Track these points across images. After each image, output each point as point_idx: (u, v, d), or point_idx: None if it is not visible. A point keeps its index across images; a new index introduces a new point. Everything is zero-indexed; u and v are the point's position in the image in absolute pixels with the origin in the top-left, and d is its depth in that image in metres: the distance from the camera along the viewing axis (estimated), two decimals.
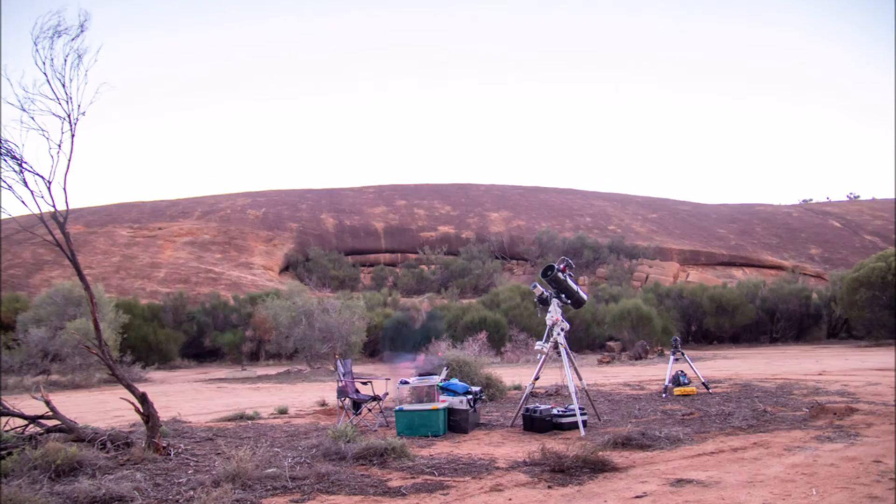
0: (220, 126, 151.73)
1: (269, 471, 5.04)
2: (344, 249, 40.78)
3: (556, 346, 7.15)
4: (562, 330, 7.15)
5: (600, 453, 5.13)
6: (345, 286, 34.97)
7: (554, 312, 7.17)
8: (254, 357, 23.01)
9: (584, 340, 22.88)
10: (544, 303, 7.29)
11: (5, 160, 5.70)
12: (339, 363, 8.18)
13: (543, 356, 7.26)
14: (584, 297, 7.49)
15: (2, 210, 5.79)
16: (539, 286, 7.38)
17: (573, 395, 6.72)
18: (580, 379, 7.28)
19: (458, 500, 4.29)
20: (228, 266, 35.41)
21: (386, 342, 7.99)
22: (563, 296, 7.26)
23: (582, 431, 6.56)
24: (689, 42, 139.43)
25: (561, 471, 4.85)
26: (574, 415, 6.96)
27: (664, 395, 9.56)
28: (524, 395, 7.55)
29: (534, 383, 7.52)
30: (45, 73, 5.66)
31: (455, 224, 43.73)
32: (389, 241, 42.46)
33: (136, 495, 4.39)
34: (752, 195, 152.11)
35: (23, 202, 5.74)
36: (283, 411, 9.26)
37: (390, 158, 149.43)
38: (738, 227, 46.05)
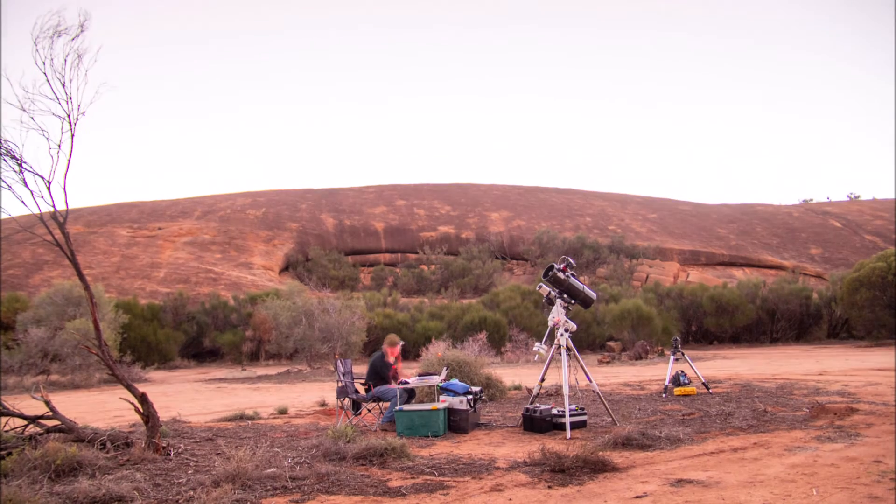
0: (219, 126, 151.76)
1: (269, 471, 5.03)
2: (344, 249, 40.77)
3: (559, 347, 7.02)
4: (566, 331, 7.03)
5: (600, 453, 5.12)
6: (345, 286, 34.96)
7: (556, 314, 7.06)
8: (254, 357, 23.00)
9: (585, 340, 22.88)
10: (551, 303, 7.14)
11: (5, 160, 5.69)
12: (338, 363, 8.17)
13: (549, 357, 7.18)
14: (593, 295, 7.27)
15: (2, 210, 5.79)
16: (545, 286, 7.20)
17: (566, 397, 6.69)
18: (590, 380, 7.19)
19: (458, 501, 4.28)
20: (228, 266, 35.40)
21: None
22: (565, 296, 7.12)
23: (568, 434, 6.52)
24: (689, 42, 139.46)
25: (561, 471, 4.85)
26: (577, 415, 6.95)
27: (664, 396, 9.56)
28: (531, 397, 7.50)
29: (540, 385, 7.46)
30: (45, 73, 5.65)
31: (455, 224, 43.71)
32: (389, 241, 42.45)
33: (136, 495, 4.38)
34: (752, 195, 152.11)
35: (23, 202, 5.74)
36: (282, 411, 9.25)
37: (390, 158, 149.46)
38: (739, 227, 46.03)
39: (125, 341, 18.68)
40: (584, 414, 7.16)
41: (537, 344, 7.09)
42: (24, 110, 5.65)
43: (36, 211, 5.78)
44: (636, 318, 21.70)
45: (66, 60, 5.67)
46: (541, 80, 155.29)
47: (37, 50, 5.64)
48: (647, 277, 34.85)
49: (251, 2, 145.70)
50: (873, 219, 47.09)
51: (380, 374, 8.00)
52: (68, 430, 5.85)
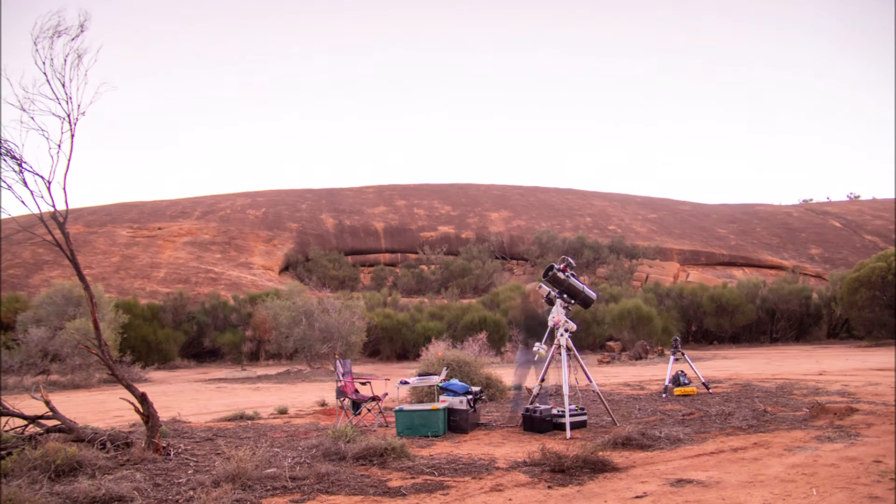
0: (219, 126, 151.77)
1: (269, 471, 5.03)
2: (344, 249, 40.76)
3: (559, 347, 7.03)
4: (566, 331, 7.04)
5: (600, 453, 5.12)
6: (345, 286, 34.96)
7: (555, 313, 7.07)
8: (254, 357, 22.99)
9: (585, 340, 22.89)
10: (551, 303, 7.15)
11: (5, 160, 5.69)
12: (338, 363, 8.17)
13: (549, 357, 7.19)
14: (592, 295, 7.28)
15: (2, 210, 5.79)
16: (545, 286, 7.21)
17: (566, 397, 6.70)
18: (590, 380, 7.19)
19: (458, 500, 4.28)
20: (228, 266, 35.40)
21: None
22: (565, 295, 7.12)
23: (568, 434, 6.52)
24: (689, 42, 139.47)
25: (561, 471, 4.84)
26: (577, 415, 6.95)
27: (664, 395, 9.56)
28: (532, 397, 7.51)
29: (540, 385, 7.47)
30: (45, 73, 5.65)
31: (455, 224, 43.71)
32: (389, 241, 42.45)
33: (136, 495, 4.38)
34: (752, 195, 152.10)
35: (22, 202, 5.74)
36: (282, 411, 9.25)
37: (390, 158, 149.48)
38: (738, 227, 46.04)
39: (125, 341, 18.67)
40: (584, 414, 7.16)
41: (537, 344, 7.08)
42: (24, 110, 5.66)
43: (36, 211, 5.78)
44: (636, 318, 21.70)
45: (66, 60, 5.67)
46: (541, 80, 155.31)
47: (37, 50, 5.64)
48: (647, 277, 34.85)
49: (251, 2, 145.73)
50: (873, 219, 47.09)
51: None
52: (68, 430, 5.84)
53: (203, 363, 23.80)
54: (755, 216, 48.62)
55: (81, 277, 6.03)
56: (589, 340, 23.23)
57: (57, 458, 4.94)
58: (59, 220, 5.79)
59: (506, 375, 11.91)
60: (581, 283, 7.21)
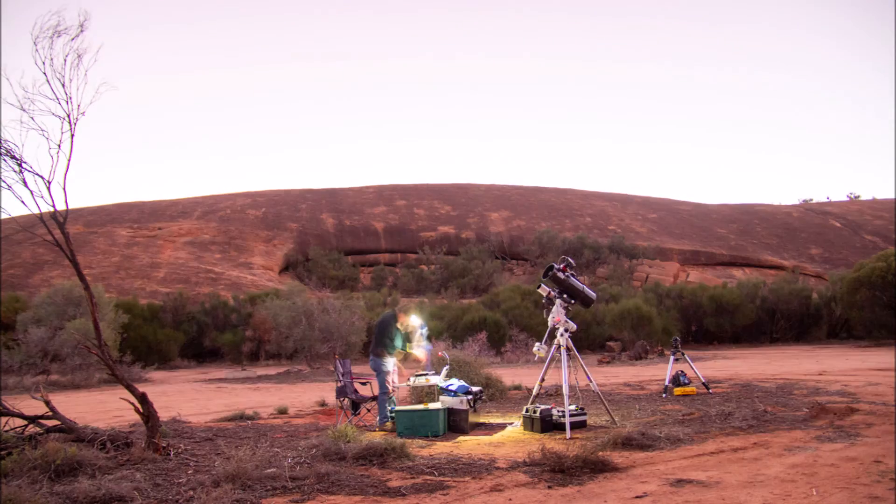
0: (220, 126, 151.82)
1: (269, 471, 5.03)
2: (344, 249, 40.75)
3: (559, 347, 7.03)
4: (566, 330, 7.04)
5: (600, 453, 5.12)
6: (345, 286, 34.96)
7: (556, 313, 7.07)
8: (254, 357, 22.98)
9: (585, 340, 22.88)
10: (552, 303, 7.17)
11: (5, 160, 5.69)
12: (338, 363, 8.17)
13: (549, 357, 7.19)
14: (592, 295, 7.29)
15: (2, 210, 5.79)
16: (545, 286, 7.23)
17: (566, 397, 6.69)
18: (590, 380, 7.19)
19: (458, 500, 4.28)
20: (228, 266, 35.40)
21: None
22: (565, 295, 7.12)
23: (568, 434, 6.53)
24: (688, 41, 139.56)
25: (561, 471, 4.84)
26: (577, 415, 6.94)
27: (664, 395, 9.56)
28: (532, 397, 7.52)
29: (540, 385, 7.47)
30: (44, 73, 5.65)
31: (455, 224, 43.70)
32: (389, 241, 42.44)
33: (136, 495, 4.38)
34: (752, 195, 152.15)
35: (22, 202, 5.74)
36: (282, 411, 9.26)
37: (390, 158, 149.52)
38: (738, 227, 46.02)
39: (125, 341, 18.67)
40: (584, 414, 7.16)
41: (537, 344, 7.09)
42: (24, 110, 5.66)
43: (36, 211, 5.78)
44: (636, 318, 21.69)
45: (66, 60, 5.67)
46: (541, 80, 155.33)
47: (37, 50, 5.64)
48: (647, 277, 34.85)
49: (251, 2, 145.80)
50: (873, 219, 47.08)
51: (386, 335, 7.78)
52: (68, 430, 5.84)
53: (203, 363, 23.79)
54: (755, 216, 48.60)
55: (81, 277, 6.03)
56: (589, 340, 23.21)
57: (57, 458, 4.93)
58: (59, 220, 5.79)
59: (506, 375, 11.93)
60: (581, 283, 7.22)
